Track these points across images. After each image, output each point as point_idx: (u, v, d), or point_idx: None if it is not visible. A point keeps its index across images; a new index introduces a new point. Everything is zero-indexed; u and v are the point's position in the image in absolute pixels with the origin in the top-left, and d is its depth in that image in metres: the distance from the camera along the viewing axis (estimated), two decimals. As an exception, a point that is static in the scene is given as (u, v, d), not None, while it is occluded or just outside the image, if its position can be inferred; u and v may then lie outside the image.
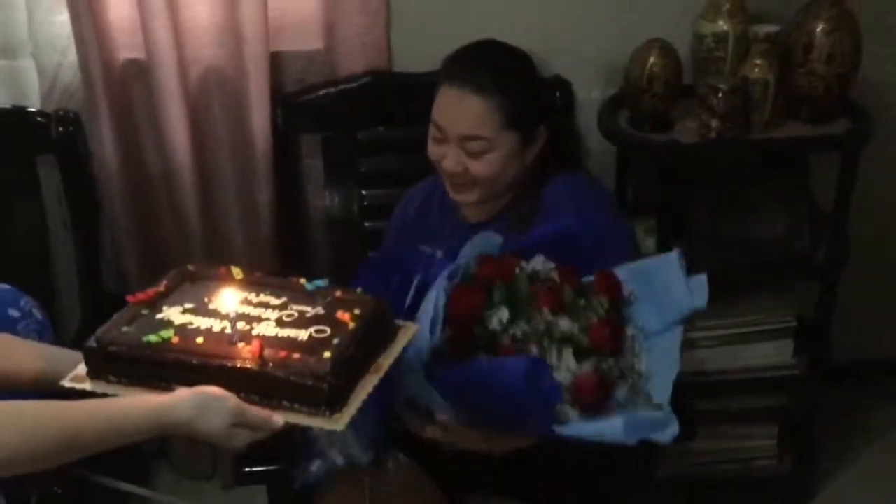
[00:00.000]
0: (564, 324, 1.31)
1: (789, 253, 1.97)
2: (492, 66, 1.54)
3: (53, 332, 1.84)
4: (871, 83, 2.01)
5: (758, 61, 1.80)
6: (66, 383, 1.23)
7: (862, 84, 1.93)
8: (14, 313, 1.63)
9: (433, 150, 1.57)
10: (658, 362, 1.35)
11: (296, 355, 1.18)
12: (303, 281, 1.34)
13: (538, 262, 1.39)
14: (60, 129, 1.90)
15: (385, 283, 1.40)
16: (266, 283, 1.35)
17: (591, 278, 1.40)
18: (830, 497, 2.23)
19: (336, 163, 2.04)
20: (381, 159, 2.05)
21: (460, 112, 1.52)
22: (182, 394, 1.16)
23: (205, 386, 1.16)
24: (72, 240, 2.01)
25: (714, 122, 1.77)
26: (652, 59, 1.82)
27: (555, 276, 1.37)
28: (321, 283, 1.33)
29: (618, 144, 1.95)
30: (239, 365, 1.17)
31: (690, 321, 1.93)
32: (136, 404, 1.15)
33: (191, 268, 1.38)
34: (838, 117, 1.88)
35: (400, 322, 1.33)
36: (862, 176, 1.89)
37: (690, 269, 1.91)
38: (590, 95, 2.04)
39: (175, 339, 1.21)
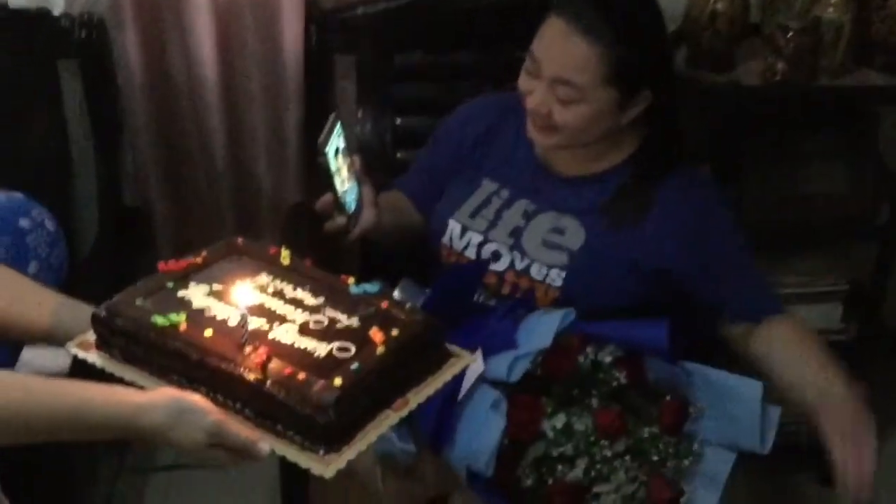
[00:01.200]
0: (622, 476, 1.25)
1: (848, 212, 1.86)
2: (612, 8, 1.33)
3: (67, 245, 1.78)
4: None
5: (833, 0, 1.66)
6: (72, 348, 1.14)
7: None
8: (25, 223, 1.57)
9: (523, 81, 1.39)
10: (704, 479, 1.30)
11: (301, 375, 1.01)
12: (351, 280, 1.19)
13: (606, 354, 1.29)
14: (83, 33, 1.82)
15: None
16: (310, 275, 1.20)
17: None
18: (867, 470, 2.15)
19: (370, 86, 1.94)
20: (417, 86, 1.94)
21: (560, 51, 1.33)
22: (158, 397, 1.02)
23: (187, 393, 1.04)
24: (92, 150, 1.94)
25: (780, 65, 1.65)
26: (717, -6, 1.69)
27: (621, 377, 1.28)
28: (371, 287, 1.18)
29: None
30: (236, 373, 1.03)
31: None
32: (108, 399, 1.02)
33: (238, 241, 1.26)
34: (915, 68, 1.74)
35: (455, 349, 1.17)
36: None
37: (741, 222, 1.83)
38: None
39: (183, 326, 1.08)
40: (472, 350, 1.22)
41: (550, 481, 1.25)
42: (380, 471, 1.36)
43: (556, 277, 1.41)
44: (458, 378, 1.21)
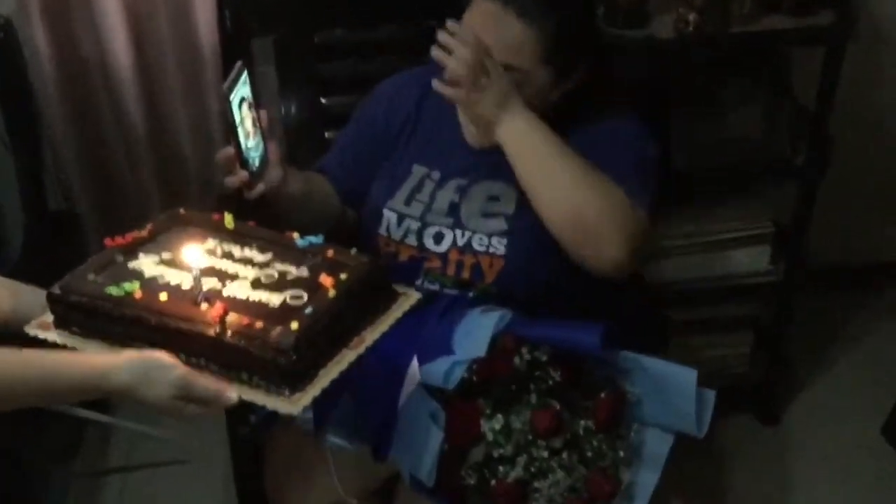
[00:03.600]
0: (560, 474, 1.27)
1: (768, 155, 1.90)
2: None
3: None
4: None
5: (738, -52, 1.71)
6: (30, 330, 1.15)
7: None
8: (-55, 235, 1.53)
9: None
10: (644, 461, 1.32)
11: (259, 324, 1.06)
12: (296, 235, 1.23)
13: (542, 353, 1.30)
14: (-11, 35, 1.77)
15: None
16: (256, 235, 1.23)
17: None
18: (804, 405, 2.22)
19: (291, 69, 1.91)
20: (340, 65, 1.92)
21: (497, 35, 1.30)
22: (124, 357, 1.05)
23: (152, 351, 1.06)
24: (11, 155, 1.88)
25: (692, 16, 1.68)
26: (626, -52, 1.71)
27: (556, 375, 1.29)
28: (315, 239, 1.22)
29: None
30: (196, 330, 1.07)
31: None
32: (75, 363, 1.05)
33: (181, 211, 1.28)
34: (822, 9, 1.78)
35: (401, 288, 1.22)
36: (843, 74, 1.81)
37: (667, 174, 1.86)
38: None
39: (138, 294, 1.11)
40: (408, 362, 1.26)
41: (493, 482, 1.28)
42: (332, 457, 1.38)
43: (499, 245, 1.41)
44: (398, 387, 1.27)
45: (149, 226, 1.24)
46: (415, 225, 1.45)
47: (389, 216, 1.46)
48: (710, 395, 1.33)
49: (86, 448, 2.09)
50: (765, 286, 2.04)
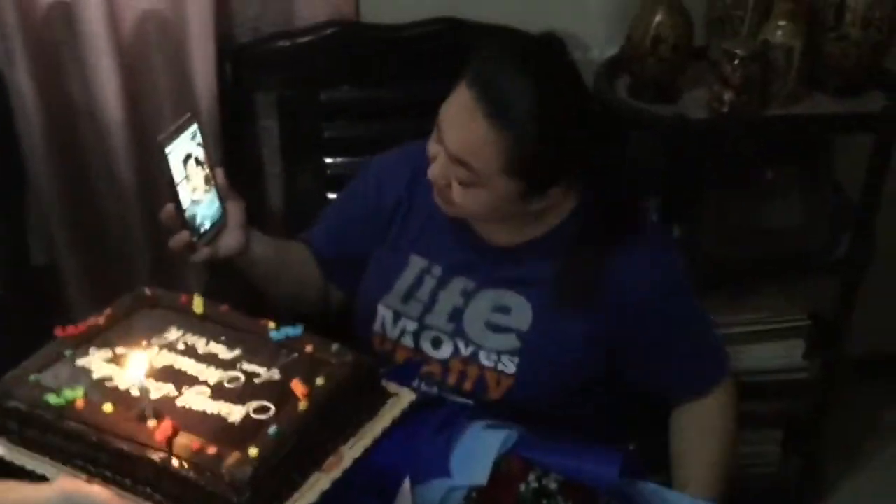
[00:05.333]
0: None
1: (806, 246, 1.76)
2: (529, 96, 1.12)
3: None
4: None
5: (782, 23, 1.57)
6: None
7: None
8: None
9: (430, 144, 1.22)
10: None
11: (211, 449, 0.92)
12: (272, 325, 1.09)
13: (552, 480, 1.16)
14: (-26, 82, 1.67)
15: None
16: (227, 323, 1.11)
17: None
18: (838, 505, 2.05)
19: (295, 126, 1.81)
20: (346, 124, 1.81)
21: (460, 126, 1.16)
22: (47, 493, 0.91)
23: (83, 485, 0.92)
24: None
25: (727, 95, 1.54)
26: (658, 18, 1.57)
27: None
28: (292, 331, 1.08)
29: (613, 115, 1.70)
30: (139, 453, 0.93)
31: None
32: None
33: (147, 292, 1.16)
34: (870, 91, 1.64)
35: (392, 387, 1.08)
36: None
37: (695, 259, 1.72)
38: (585, 56, 1.77)
39: (80, 403, 0.98)
40: (400, 480, 1.11)
41: None
42: None
43: (509, 363, 1.27)
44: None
45: (107, 311, 1.12)
46: (412, 326, 1.31)
47: (384, 313, 1.33)
48: None
49: None
50: (797, 383, 1.88)
